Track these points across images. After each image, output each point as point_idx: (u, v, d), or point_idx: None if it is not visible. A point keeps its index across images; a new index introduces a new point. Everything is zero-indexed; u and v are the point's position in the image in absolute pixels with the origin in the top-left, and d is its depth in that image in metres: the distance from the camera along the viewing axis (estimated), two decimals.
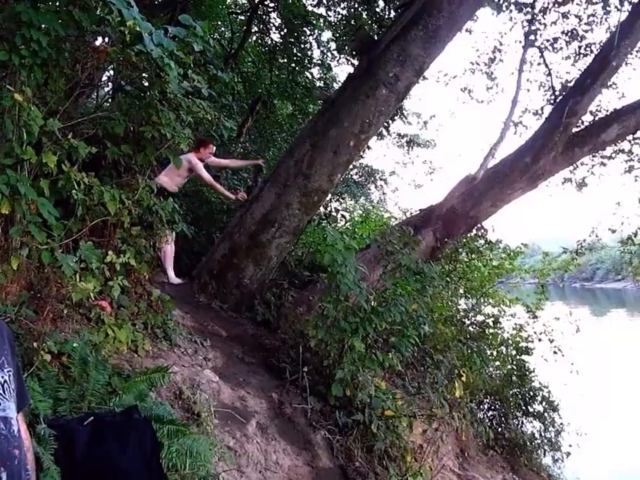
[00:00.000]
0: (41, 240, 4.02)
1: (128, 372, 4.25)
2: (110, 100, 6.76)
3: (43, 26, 3.86)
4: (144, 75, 5.47)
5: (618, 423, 12.34)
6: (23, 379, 2.20)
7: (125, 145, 5.10)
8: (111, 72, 7.64)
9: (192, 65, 5.42)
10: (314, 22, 14.73)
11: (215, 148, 8.28)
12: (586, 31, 12.06)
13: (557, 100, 11.33)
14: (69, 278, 4.17)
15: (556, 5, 12.12)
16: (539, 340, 9.65)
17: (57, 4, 4.15)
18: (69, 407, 3.44)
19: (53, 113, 4.51)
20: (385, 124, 14.14)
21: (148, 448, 3.26)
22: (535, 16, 12.07)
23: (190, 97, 5.46)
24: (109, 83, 8.25)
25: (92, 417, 3.25)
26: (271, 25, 15.68)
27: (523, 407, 9.20)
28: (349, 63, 15.23)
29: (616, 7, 11.29)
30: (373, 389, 5.42)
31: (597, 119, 10.27)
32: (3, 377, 1.81)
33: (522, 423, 9.31)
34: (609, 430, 11.72)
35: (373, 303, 5.87)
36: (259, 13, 15.26)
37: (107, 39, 5.26)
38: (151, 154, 5.25)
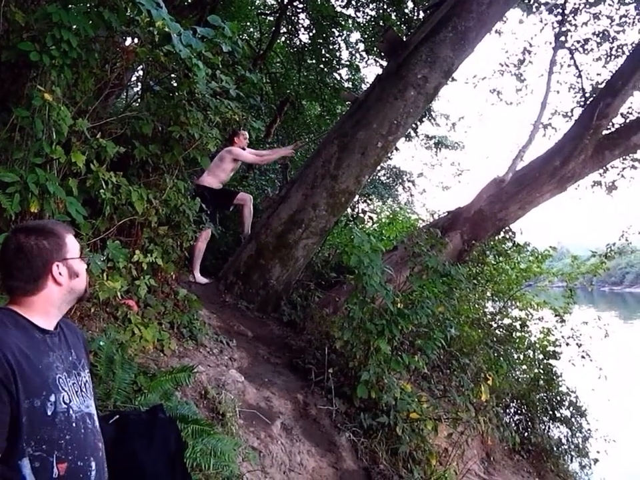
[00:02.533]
0: None
1: (154, 371, 4.27)
2: (139, 100, 6.81)
3: (74, 27, 3.89)
4: (172, 75, 5.51)
5: None
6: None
7: (153, 144, 5.13)
8: (140, 72, 7.71)
9: (220, 66, 5.43)
10: (342, 23, 14.73)
11: (247, 134, 8.31)
12: (618, 32, 11.90)
13: (587, 102, 11.21)
14: (97, 277, 4.20)
15: (587, 6, 11.98)
16: (567, 344, 9.53)
17: (87, 5, 4.18)
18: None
19: (82, 113, 4.55)
20: (413, 125, 14.10)
21: (172, 447, 3.26)
22: (566, 17, 11.94)
23: (218, 97, 5.48)
24: (138, 83, 8.30)
25: (117, 415, 3.26)
26: (300, 25, 15.70)
27: (550, 412, 9.10)
28: (378, 64, 15.22)
29: None
30: (398, 392, 5.39)
31: (627, 121, 10.13)
32: (84, 377, 2.05)
33: (549, 427, 9.20)
34: (638, 437, 11.54)
35: (399, 304, 5.84)
36: (288, 13, 15.29)
37: (136, 40, 5.28)
38: (178, 154, 5.28)
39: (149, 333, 4.72)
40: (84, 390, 1.99)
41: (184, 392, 4.39)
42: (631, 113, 10.69)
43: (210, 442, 3.52)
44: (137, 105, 6.32)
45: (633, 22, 11.67)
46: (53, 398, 1.82)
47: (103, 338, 4.02)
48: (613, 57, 12.02)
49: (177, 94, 5.27)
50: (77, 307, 4.29)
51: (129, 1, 4.22)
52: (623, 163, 11.05)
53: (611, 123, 9.25)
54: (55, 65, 3.90)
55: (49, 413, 1.81)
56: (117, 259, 4.38)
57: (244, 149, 8.14)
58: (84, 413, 1.95)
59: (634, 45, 10.51)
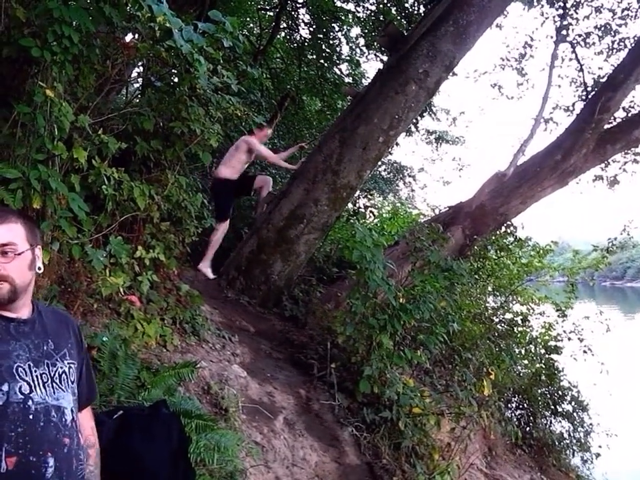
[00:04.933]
0: (71, 235, 4.05)
1: (157, 366, 4.28)
2: (140, 96, 6.80)
3: (74, 22, 3.88)
4: (173, 70, 5.50)
5: None
6: (93, 375, 2.29)
7: (154, 140, 5.12)
8: (141, 68, 7.70)
9: (221, 61, 5.42)
10: (343, 18, 14.71)
11: (270, 131, 8.38)
12: (620, 25, 11.88)
13: (589, 96, 11.19)
14: (99, 272, 4.20)
15: None
16: (569, 339, 9.54)
17: (88, 0, 4.17)
18: (98, 400, 3.46)
19: (84, 109, 4.54)
20: (414, 120, 14.10)
21: (175, 442, 3.27)
22: (567, 10, 11.92)
23: (219, 92, 5.47)
24: (139, 79, 8.29)
25: (121, 411, 3.27)
26: (300, 21, 15.71)
27: (552, 407, 9.11)
28: (378, 59, 15.20)
29: None
30: (400, 386, 5.39)
31: (629, 115, 10.12)
32: (62, 368, 1.94)
33: (550, 422, 9.21)
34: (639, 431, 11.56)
35: (401, 299, 5.84)
36: (288, 9, 15.28)
37: (137, 35, 5.27)
38: (180, 149, 5.27)
39: (151, 329, 4.73)
40: (57, 381, 1.90)
41: (187, 387, 4.39)
42: (633, 107, 10.68)
43: (213, 437, 3.53)
44: (138, 100, 6.32)
45: (635, 15, 11.65)
46: (5, 387, 1.74)
47: (106, 334, 4.02)
48: (614, 51, 12.01)
49: (178, 89, 5.26)
50: (79, 303, 4.30)
51: None
52: (624, 157, 11.05)
53: (612, 117, 9.24)
54: (56, 61, 3.88)
55: (0, 403, 1.73)
56: (119, 254, 4.37)
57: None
58: (49, 405, 1.84)
59: (636, 38, 10.47)
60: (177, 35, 4.33)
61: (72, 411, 1.93)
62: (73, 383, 1.97)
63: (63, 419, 1.88)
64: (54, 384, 1.89)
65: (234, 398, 4.60)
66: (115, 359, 3.82)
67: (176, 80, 5.52)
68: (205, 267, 7.56)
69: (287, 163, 8.27)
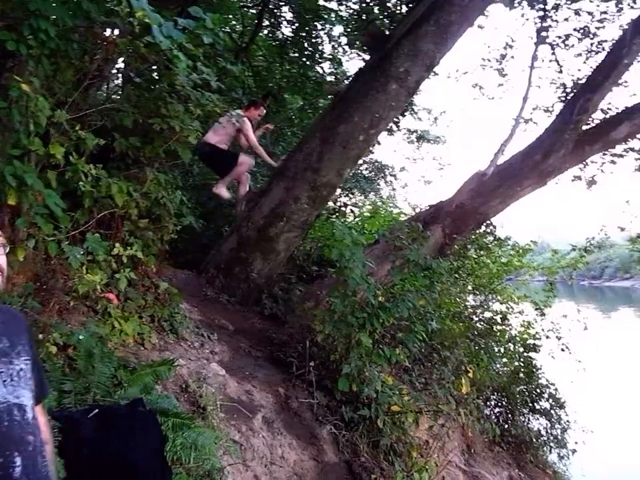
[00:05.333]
0: (47, 231, 4.01)
1: (134, 365, 4.25)
2: (120, 92, 6.75)
3: (52, 16, 3.84)
4: (154, 67, 5.46)
5: (624, 420, 12.31)
6: (43, 370, 2.26)
7: (133, 137, 5.09)
8: (122, 64, 7.64)
9: (201, 58, 5.39)
10: (325, 16, 14.66)
11: (265, 111, 8.52)
12: (598, 28, 11.95)
13: (568, 97, 11.26)
14: (76, 270, 4.17)
15: (568, 2, 12.02)
16: (547, 337, 9.61)
17: None
18: (73, 399, 3.44)
19: (61, 104, 4.49)
20: (395, 119, 14.11)
21: (152, 441, 3.26)
22: (547, 12, 11.97)
23: (199, 89, 5.44)
24: (120, 75, 8.25)
25: (97, 410, 3.24)
26: (282, 18, 15.62)
27: (530, 404, 9.17)
28: (360, 57, 15.20)
29: (629, 4, 11.22)
30: (379, 384, 5.40)
31: (607, 116, 10.20)
32: (19, 365, 1.90)
33: (528, 419, 9.27)
34: (615, 427, 11.68)
35: (380, 298, 5.85)
36: (270, 6, 15.22)
37: (116, 31, 5.23)
38: (159, 146, 5.24)
39: (129, 327, 4.70)
40: (15, 379, 1.86)
41: (164, 386, 4.37)
42: (610, 109, 10.76)
43: (190, 435, 3.51)
44: (118, 97, 6.27)
45: (613, 18, 11.74)
46: None
47: (82, 332, 3.99)
48: (593, 53, 12.07)
49: (157, 86, 5.23)
50: (55, 301, 4.26)
51: None
52: (602, 158, 11.11)
53: (591, 118, 9.31)
54: (32, 55, 3.85)
55: None
56: (96, 252, 4.34)
57: (252, 122, 8.21)
58: (10, 403, 1.81)
59: (614, 41, 10.56)
60: (156, 30, 4.30)
61: (32, 408, 1.90)
62: (30, 380, 1.93)
63: (25, 417, 1.85)
64: (13, 382, 1.85)
65: (212, 396, 4.57)
66: (91, 357, 3.78)
67: (156, 76, 5.49)
68: (221, 188, 7.96)
69: (268, 157, 8.33)
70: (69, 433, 3.02)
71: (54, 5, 3.82)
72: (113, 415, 3.31)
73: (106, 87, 8.26)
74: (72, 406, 3.38)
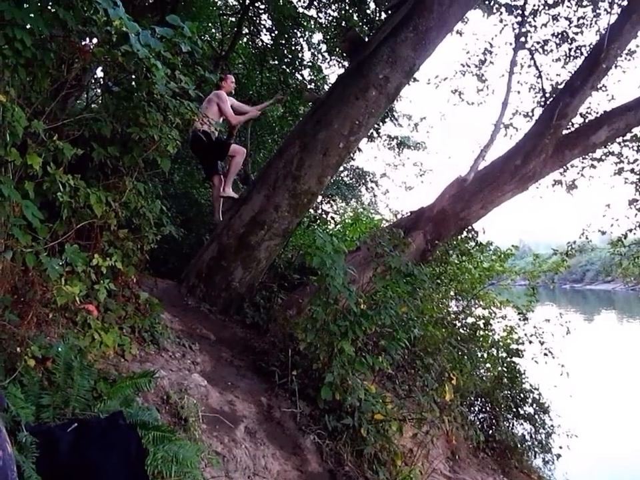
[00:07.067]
0: (25, 243, 3.95)
1: (114, 377, 4.19)
2: (99, 101, 6.69)
3: (27, 25, 3.80)
4: (132, 75, 5.42)
5: (607, 424, 12.39)
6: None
7: (111, 146, 5.03)
8: (101, 73, 7.59)
9: (180, 66, 5.36)
10: (305, 24, 14.71)
11: (234, 77, 8.88)
12: (576, 33, 12.12)
13: (547, 102, 11.37)
14: (54, 281, 4.11)
15: (546, 7, 12.16)
16: (530, 342, 9.66)
17: (40, 3, 4.09)
18: (52, 413, 3.38)
19: (39, 114, 4.44)
20: (376, 126, 14.20)
21: (133, 455, 3.21)
22: (525, 18, 12.09)
23: (178, 98, 5.40)
24: (99, 84, 8.19)
25: (76, 423, 3.19)
26: (262, 26, 15.65)
27: (514, 409, 9.20)
28: (340, 65, 15.23)
29: (605, 9, 11.37)
30: (362, 393, 5.38)
31: (586, 121, 10.29)
32: None
33: (512, 425, 9.31)
34: (598, 431, 11.75)
35: (362, 305, 5.84)
36: (250, 14, 15.23)
37: (94, 40, 5.18)
38: (138, 155, 5.18)
39: (109, 338, 4.64)
40: None
41: (145, 397, 4.32)
42: (590, 113, 10.88)
43: (171, 448, 3.46)
44: (97, 106, 6.22)
45: (590, 24, 11.89)
46: None
47: (61, 344, 3.93)
48: (571, 58, 12.22)
49: (136, 95, 5.18)
50: (34, 313, 4.20)
51: (85, 0, 4.14)
52: (582, 162, 11.26)
53: (570, 123, 9.38)
54: (8, 65, 3.80)
55: None
56: (75, 263, 4.29)
57: (231, 94, 8.54)
58: None
59: (591, 46, 10.66)
60: (134, 39, 4.28)
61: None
62: None
63: None
64: None
65: (194, 407, 4.53)
66: (70, 370, 3.72)
67: (134, 85, 5.44)
68: (228, 192, 8.23)
69: (252, 111, 8.88)
70: (46, 447, 2.97)
71: (30, 14, 3.78)
72: (92, 429, 3.26)
73: (85, 96, 8.19)
74: (50, 420, 3.33)
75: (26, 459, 2.80)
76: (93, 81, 7.41)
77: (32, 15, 3.81)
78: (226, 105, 8.14)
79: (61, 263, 4.15)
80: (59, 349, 3.83)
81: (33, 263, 4.05)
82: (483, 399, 9.21)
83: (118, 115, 5.18)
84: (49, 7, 4.11)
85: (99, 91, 8.19)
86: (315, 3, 14.69)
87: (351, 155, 9.93)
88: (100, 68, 6.34)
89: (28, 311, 4.15)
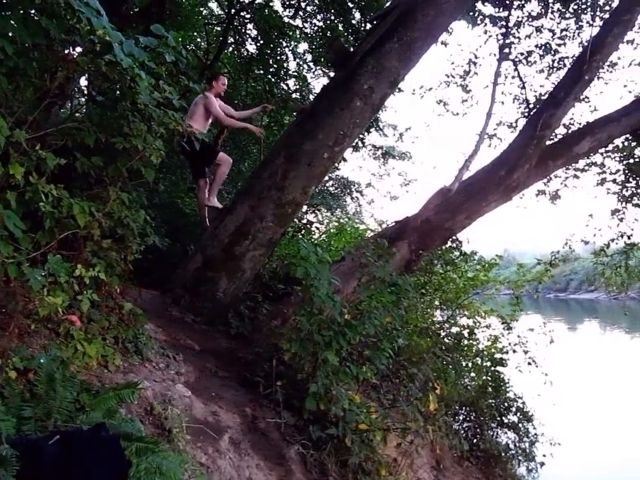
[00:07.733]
0: (7, 253, 3.92)
1: (97, 388, 4.16)
2: (84, 110, 6.67)
3: (9, 34, 3.78)
4: (116, 85, 5.40)
5: (591, 432, 12.45)
6: None
7: (95, 156, 5.01)
8: (85, 82, 7.56)
9: (164, 76, 5.35)
10: (290, 33, 14.75)
11: (226, 80, 8.76)
12: (559, 45, 12.24)
13: (531, 113, 11.46)
14: (37, 292, 4.08)
15: (530, 19, 12.27)
16: (514, 351, 9.70)
17: (24, 12, 4.07)
18: (34, 425, 3.34)
19: (21, 123, 4.42)
20: (361, 136, 14.22)
21: (116, 466, 3.18)
22: (509, 29, 12.21)
23: (162, 107, 5.39)
24: (83, 93, 8.16)
25: (58, 436, 3.16)
26: (247, 36, 15.69)
27: (498, 418, 9.23)
28: (325, 74, 15.28)
29: (588, 22, 11.48)
30: (347, 403, 5.38)
31: (570, 132, 10.38)
32: None
33: (497, 433, 9.34)
34: (582, 439, 11.81)
35: (346, 315, 5.84)
36: (235, 24, 15.26)
37: (78, 48, 5.17)
38: (122, 165, 5.16)
39: (92, 349, 4.61)
40: None
41: (129, 409, 4.29)
42: (573, 124, 10.97)
43: (155, 460, 3.43)
44: (81, 115, 6.19)
45: (573, 35, 12.01)
46: None
47: (43, 355, 3.90)
48: (555, 69, 12.34)
49: (120, 104, 5.16)
50: (15, 324, 4.16)
51: (68, 8, 4.12)
52: (565, 173, 11.35)
53: (554, 134, 9.45)
54: None
55: None
56: (58, 273, 4.25)
57: (221, 95, 8.43)
58: None
59: (574, 58, 10.76)
60: (117, 48, 4.26)
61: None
62: None
63: None
64: None
65: (178, 418, 4.50)
66: (53, 381, 3.69)
67: (118, 95, 5.42)
68: (213, 201, 8.28)
69: (245, 124, 8.71)
70: (28, 460, 2.94)
71: (12, 22, 3.76)
72: (74, 441, 3.23)
73: (69, 105, 8.16)
74: (32, 433, 3.30)
75: (6, 472, 2.77)
76: (77, 90, 7.39)
77: (14, 23, 3.80)
78: (214, 107, 8.09)
79: (43, 274, 4.11)
80: (41, 360, 3.80)
81: (15, 273, 4.01)
82: (467, 408, 9.23)
83: (102, 125, 5.15)
84: (32, 15, 4.09)
85: (82, 100, 8.18)
86: (301, 13, 14.74)
87: (336, 164, 9.93)
88: (84, 77, 6.32)
89: (9, 322, 4.11)
